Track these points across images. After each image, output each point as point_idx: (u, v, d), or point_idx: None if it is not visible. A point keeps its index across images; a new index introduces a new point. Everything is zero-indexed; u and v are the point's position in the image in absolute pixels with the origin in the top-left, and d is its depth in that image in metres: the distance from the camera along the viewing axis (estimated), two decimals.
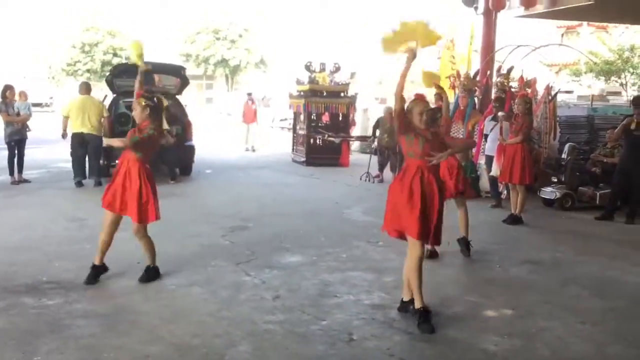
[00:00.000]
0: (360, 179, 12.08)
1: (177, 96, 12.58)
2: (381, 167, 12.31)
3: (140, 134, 5.15)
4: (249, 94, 18.87)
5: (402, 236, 4.61)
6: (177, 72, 12.61)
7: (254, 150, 17.62)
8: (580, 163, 9.82)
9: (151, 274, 5.41)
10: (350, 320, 4.62)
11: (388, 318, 4.71)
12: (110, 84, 12.21)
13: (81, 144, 10.48)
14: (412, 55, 4.37)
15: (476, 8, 12.38)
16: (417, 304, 4.50)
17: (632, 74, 21.50)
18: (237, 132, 19.18)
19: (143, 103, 5.15)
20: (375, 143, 12.61)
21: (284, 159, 15.54)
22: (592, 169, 9.55)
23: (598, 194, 9.26)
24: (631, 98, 10.62)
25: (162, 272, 5.56)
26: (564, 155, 9.82)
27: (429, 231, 4.51)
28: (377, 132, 12.59)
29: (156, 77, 12.70)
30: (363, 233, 7.52)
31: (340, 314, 4.75)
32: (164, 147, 11.29)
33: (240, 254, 6.36)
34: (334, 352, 4.08)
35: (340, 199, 10.04)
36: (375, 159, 12.65)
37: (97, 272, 5.33)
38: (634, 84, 21.26)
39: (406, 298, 4.74)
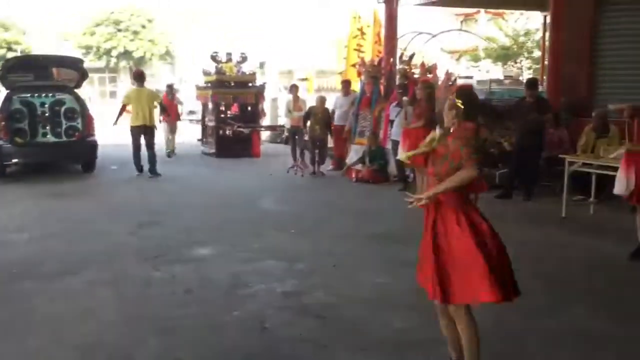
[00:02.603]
0: (288, 172, 11.52)
1: (76, 90, 12.08)
2: (313, 160, 11.65)
3: None
4: (170, 86, 15.77)
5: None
6: (75, 64, 12.13)
7: (175, 154, 14.52)
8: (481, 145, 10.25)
9: None
10: (262, 309, 4.63)
11: (300, 304, 4.76)
12: (2, 79, 11.56)
13: None
14: None
15: None
16: None
17: (527, 58, 22.69)
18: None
19: None
20: (291, 134, 12.14)
21: (194, 151, 15.27)
22: (491, 150, 9.98)
23: (497, 173, 9.71)
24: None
25: (69, 272, 5.38)
26: None
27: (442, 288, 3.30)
28: (308, 123, 11.75)
29: (54, 70, 12.19)
30: (275, 222, 7.55)
31: (253, 304, 4.76)
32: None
33: (149, 250, 6.22)
34: (247, 342, 4.08)
35: (251, 190, 10.01)
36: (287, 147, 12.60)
37: None
38: (529, 68, 22.43)
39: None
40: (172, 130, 14.76)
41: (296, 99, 12.38)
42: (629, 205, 6.24)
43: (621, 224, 6.93)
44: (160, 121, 14.77)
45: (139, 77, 11.55)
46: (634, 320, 4.45)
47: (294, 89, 12.82)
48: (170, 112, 14.25)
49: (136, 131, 11.00)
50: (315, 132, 11.53)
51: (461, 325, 3.40)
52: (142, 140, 11.10)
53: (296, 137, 12.13)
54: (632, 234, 6.04)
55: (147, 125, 11.05)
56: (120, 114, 11.32)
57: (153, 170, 11.13)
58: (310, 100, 13.46)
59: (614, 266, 5.79)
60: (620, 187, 5.89)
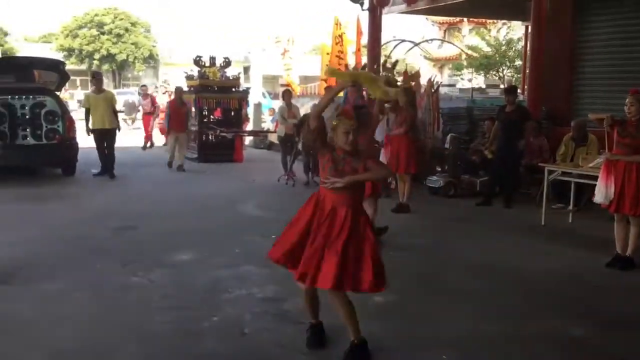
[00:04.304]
0: (279, 180, 11.13)
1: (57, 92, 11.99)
2: (306, 169, 11.11)
3: None
4: (179, 90, 13.64)
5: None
6: (56, 66, 12.02)
7: (184, 170, 12.55)
8: (462, 152, 10.30)
9: None
10: (242, 315, 4.61)
11: (280, 310, 4.73)
12: None
13: None
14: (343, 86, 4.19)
15: (362, 4, 12.69)
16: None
17: (509, 67, 22.88)
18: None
19: None
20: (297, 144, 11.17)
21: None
22: (472, 158, 10.05)
23: (478, 181, 9.77)
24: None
25: (45, 277, 5.31)
26: (446, 145, 10.29)
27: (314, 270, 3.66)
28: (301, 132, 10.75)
29: (35, 72, 12.08)
30: (256, 227, 7.51)
31: (232, 309, 4.73)
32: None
33: (128, 255, 6.16)
34: (225, 347, 4.06)
35: (233, 195, 9.96)
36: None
37: None
38: (512, 77, 22.63)
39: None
40: (181, 141, 12.94)
41: (290, 105, 11.91)
42: (608, 213, 6.31)
43: (599, 232, 7.00)
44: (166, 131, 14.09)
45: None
46: (611, 328, 4.49)
47: (286, 95, 12.17)
48: (179, 119, 12.89)
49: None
50: (309, 142, 11.12)
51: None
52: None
53: (288, 145, 11.57)
54: (610, 242, 6.11)
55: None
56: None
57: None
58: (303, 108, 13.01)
59: (592, 274, 5.84)
60: (600, 195, 5.96)
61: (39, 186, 10.31)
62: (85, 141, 11.83)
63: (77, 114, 17.29)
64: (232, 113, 14.66)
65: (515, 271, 5.92)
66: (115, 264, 5.84)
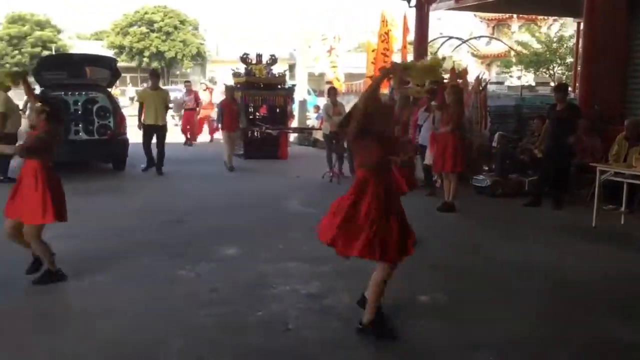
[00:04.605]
0: (323, 177, 11.14)
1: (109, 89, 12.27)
2: (352, 167, 10.54)
3: (31, 138, 5.15)
4: (230, 88, 13.46)
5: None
6: (108, 64, 12.30)
7: (233, 169, 12.38)
8: (510, 151, 10.12)
9: (47, 278, 5.14)
10: (286, 310, 4.64)
11: (324, 307, 4.76)
12: (37, 76, 11.79)
13: None
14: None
15: (409, 1, 12.59)
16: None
17: (560, 65, 22.30)
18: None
19: (40, 108, 5.12)
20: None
21: (222, 151, 15.36)
22: (521, 157, 9.86)
23: (526, 180, 9.58)
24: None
25: (95, 269, 5.47)
26: (494, 144, 10.12)
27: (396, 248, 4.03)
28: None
29: (87, 69, 12.40)
30: (300, 224, 7.55)
31: (277, 305, 4.77)
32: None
33: (175, 248, 6.28)
34: (270, 342, 4.10)
35: (277, 191, 10.03)
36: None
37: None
38: (563, 74, 22.04)
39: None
40: (232, 139, 12.79)
41: (335, 103, 11.73)
42: None
43: None
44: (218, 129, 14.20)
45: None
46: None
47: (332, 92, 12.04)
48: (233, 117, 12.69)
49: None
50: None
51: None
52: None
53: (333, 142, 11.38)
54: None
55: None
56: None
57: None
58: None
59: None
60: None
61: (90, 180, 10.58)
62: (135, 136, 12.09)
63: (128, 110, 17.70)
64: (278, 110, 14.76)
65: (564, 273, 5.79)
66: (162, 258, 5.96)
